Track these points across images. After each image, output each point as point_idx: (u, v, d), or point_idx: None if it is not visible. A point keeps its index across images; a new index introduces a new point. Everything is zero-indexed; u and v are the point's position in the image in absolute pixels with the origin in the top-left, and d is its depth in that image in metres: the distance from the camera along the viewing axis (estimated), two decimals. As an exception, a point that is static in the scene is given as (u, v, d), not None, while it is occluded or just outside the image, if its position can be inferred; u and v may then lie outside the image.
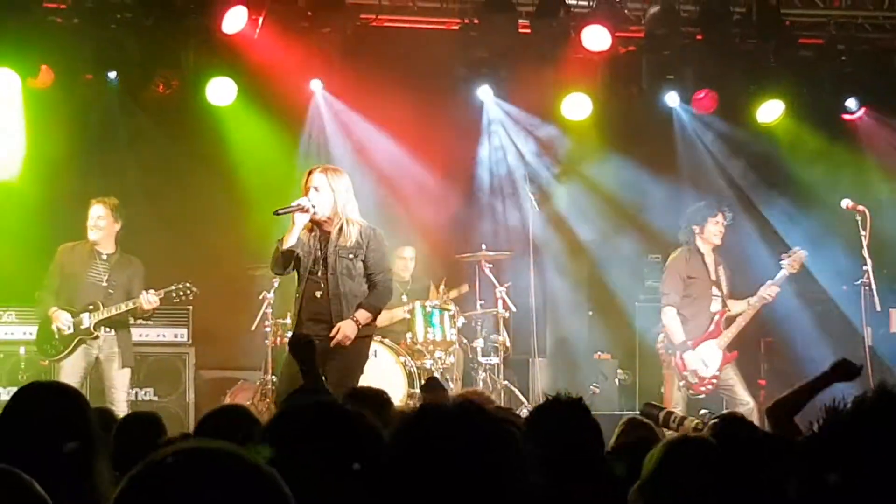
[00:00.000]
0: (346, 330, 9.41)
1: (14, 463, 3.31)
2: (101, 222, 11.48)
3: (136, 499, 2.14)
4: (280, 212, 9.46)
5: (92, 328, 11.37)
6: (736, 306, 11.98)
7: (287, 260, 9.48)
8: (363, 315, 9.48)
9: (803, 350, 13.29)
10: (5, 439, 3.99)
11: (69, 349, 11.38)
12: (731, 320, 11.93)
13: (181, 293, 11.42)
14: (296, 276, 9.67)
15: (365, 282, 9.60)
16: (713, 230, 11.83)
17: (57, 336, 11.40)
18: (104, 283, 11.50)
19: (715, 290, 11.92)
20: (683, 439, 4.49)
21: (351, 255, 9.50)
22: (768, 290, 11.83)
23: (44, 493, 3.15)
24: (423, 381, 11.14)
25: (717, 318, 11.90)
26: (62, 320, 11.36)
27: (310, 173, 9.53)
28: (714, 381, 11.75)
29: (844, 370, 6.72)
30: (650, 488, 4.16)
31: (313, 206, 9.36)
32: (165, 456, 2.18)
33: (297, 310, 9.65)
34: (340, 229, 9.46)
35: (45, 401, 4.13)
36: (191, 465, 2.15)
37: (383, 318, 13.27)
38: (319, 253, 9.51)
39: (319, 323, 9.49)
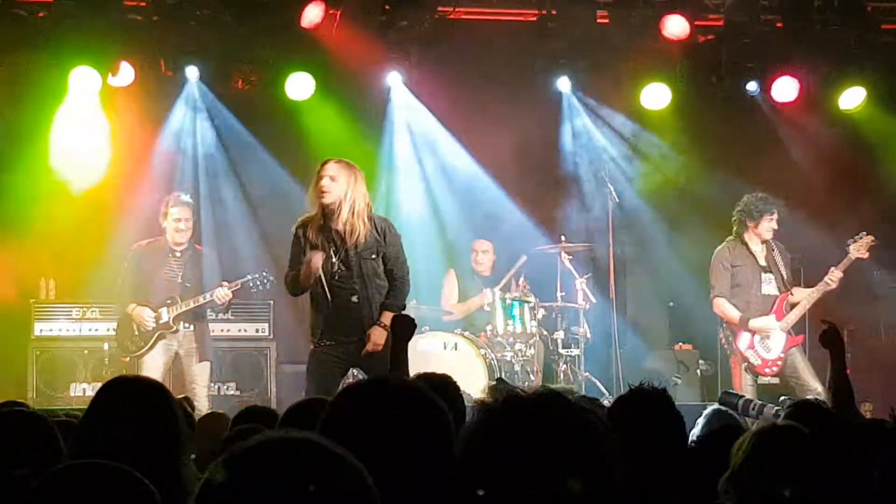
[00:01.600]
0: (376, 339, 9.27)
1: (101, 457, 3.33)
2: (186, 224, 11.58)
3: (221, 488, 2.14)
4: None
5: (171, 322, 11.46)
6: (800, 293, 11.88)
7: (300, 285, 9.42)
8: (389, 318, 8.94)
9: (887, 338, 13.17)
10: (93, 433, 4.01)
11: (149, 345, 11.48)
12: (793, 305, 11.82)
13: (258, 282, 11.47)
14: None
15: (385, 279, 9.50)
16: (766, 227, 11.80)
17: (137, 332, 11.50)
18: (179, 280, 11.59)
19: (766, 275, 11.83)
20: (773, 428, 4.45)
21: (374, 255, 9.40)
22: (831, 276, 11.65)
23: (155, 489, 3.17)
24: (493, 380, 11.08)
25: (776, 301, 11.79)
26: (143, 317, 11.45)
27: (324, 164, 9.40)
28: (779, 363, 11.67)
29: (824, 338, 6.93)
30: (741, 478, 4.13)
31: (328, 193, 9.26)
32: (250, 445, 2.18)
33: (325, 318, 9.45)
34: (351, 227, 9.31)
35: (131, 395, 4.16)
36: (275, 454, 2.15)
37: (460, 311, 13.30)
38: (342, 256, 9.36)
39: (354, 330, 9.39)
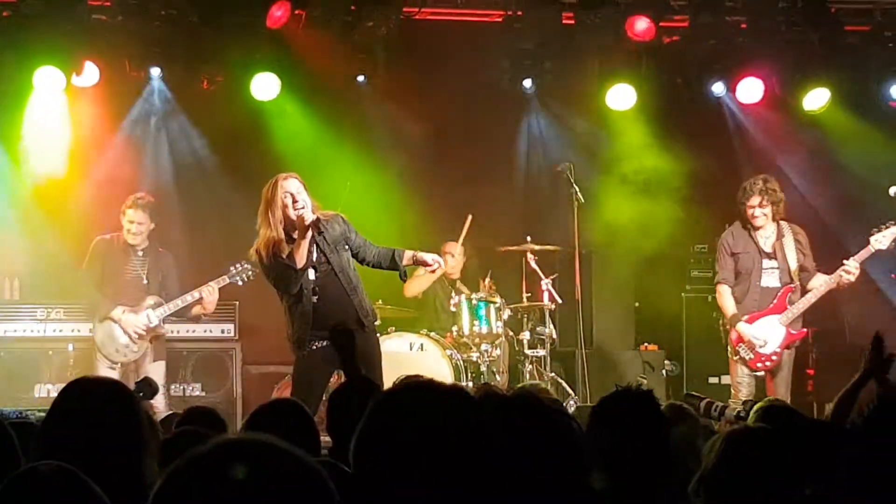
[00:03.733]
0: (422, 258, 9.77)
1: (63, 459, 3.32)
2: (139, 227, 11.55)
3: (177, 492, 2.13)
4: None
5: (161, 325, 11.44)
6: (814, 281, 11.59)
7: (299, 277, 9.38)
8: (408, 252, 9.83)
9: (853, 340, 13.20)
10: (55, 435, 4.00)
11: (143, 352, 11.45)
12: (805, 293, 11.59)
13: (242, 274, 11.45)
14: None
15: (353, 263, 9.67)
16: (749, 213, 11.59)
17: (126, 340, 11.43)
18: (144, 281, 11.56)
19: (769, 263, 11.62)
20: (744, 430, 4.46)
21: (345, 247, 9.54)
22: (846, 267, 11.36)
23: (100, 491, 3.16)
24: (473, 382, 11.10)
25: (778, 294, 11.59)
26: (132, 325, 11.39)
27: (278, 182, 9.28)
28: (773, 358, 11.48)
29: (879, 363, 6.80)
30: (712, 479, 4.15)
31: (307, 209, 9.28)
32: (206, 449, 2.17)
33: (313, 318, 9.46)
34: (332, 232, 9.45)
35: (94, 396, 4.13)
36: (232, 458, 2.14)
37: (416, 287, 13.19)
38: (315, 260, 9.42)
39: (345, 323, 9.38)
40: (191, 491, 2.11)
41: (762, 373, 11.59)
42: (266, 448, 2.16)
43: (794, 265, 11.60)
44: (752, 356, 11.52)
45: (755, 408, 6.77)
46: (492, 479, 2.63)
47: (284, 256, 9.25)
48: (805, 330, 11.72)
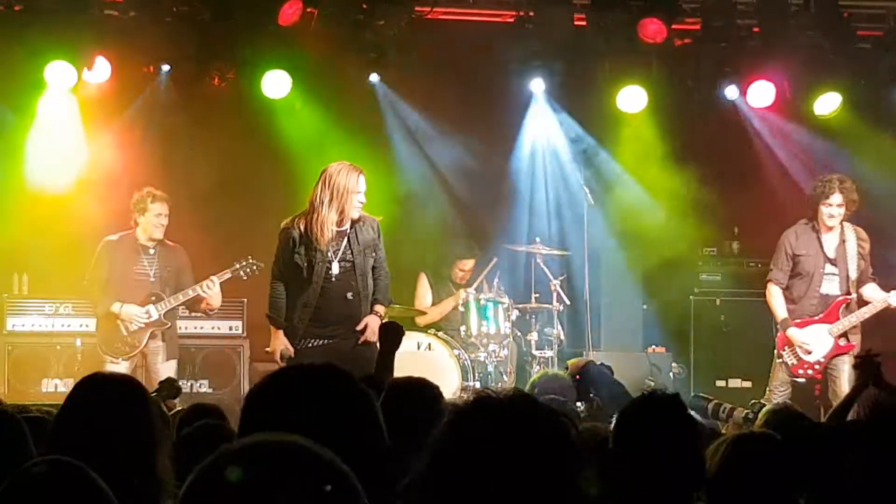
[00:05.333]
0: (374, 326, 9.42)
1: (75, 455, 3.32)
2: (165, 220, 11.53)
3: (206, 492, 2.13)
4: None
5: (163, 318, 11.43)
6: (868, 290, 11.37)
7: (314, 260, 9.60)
8: (382, 310, 9.71)
9: (863, 345, 13.19)
10: (67, 431, 4.00)
11: (143, 344, 11.44)
12: (862, 304, 11.38)
13: (247, 269, 11.45)
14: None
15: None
16: (825, 212, 11.27)
17: (126, 332, 11.43)
18: (152, 279, 11.54)
19: (830, 269, 11.35)
20: (749, 435, 4.45)
21: (372, 254, 9.62)
22: (892, 296, 11.16)
23: (106, 486, 3.16)
24: (480, 382, 11.14)
25: (833, 304, 11.35)
26: (132, 315, 11.38)
27: (360, 173, 9.65)
28: (816, 367, 11.26)
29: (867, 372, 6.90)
30: (715, 484, 4.13)
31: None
32: (232, 449, 2.17)
33: (314, 310, 9.65)
34: (355, 227, 9.61)
35: (105, 393, 4.13)
36: (260, 458, 2.14)
37: (435, 314, 13.33)
38: (341, 253, 9.56)
39: (345, 325, 9.61)
40: (218, 492, 2.11)
41: (802, 380, 11.38)
42: (297, 450, 2.16)
43: (854, 274, 11.35)
44: (795, 362, 11.35)
45: (763, 411, 6.77)
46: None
47: (314, 235, 9.48)
48: (853, 344, 11.24)
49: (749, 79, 13.42)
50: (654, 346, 14.24)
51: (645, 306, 14.74)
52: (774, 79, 13.38)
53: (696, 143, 14.06)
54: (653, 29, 12.88)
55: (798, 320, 11.34)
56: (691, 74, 13.38)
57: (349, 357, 9.36)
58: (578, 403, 10.17)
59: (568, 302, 13.19)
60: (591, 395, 10.35)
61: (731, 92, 13.59)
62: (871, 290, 11.39)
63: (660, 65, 13.31)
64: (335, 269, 9.54)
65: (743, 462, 4.15)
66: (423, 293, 13.64)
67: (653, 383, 13.35)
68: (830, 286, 11.40)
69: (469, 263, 13.60)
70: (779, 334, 11.47)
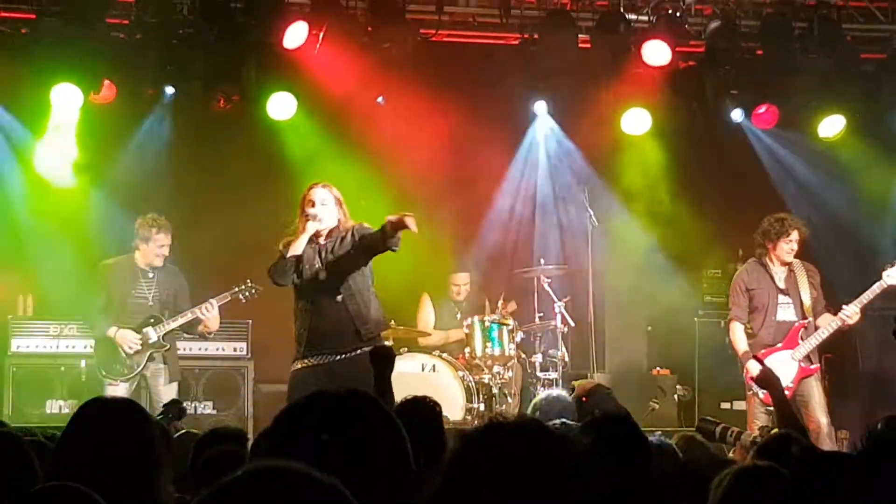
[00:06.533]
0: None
1: (78, 479, 3.33)
2: (166, 250, 11.55)
3: None
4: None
5: (162, 340, 11.43)
6: (821, 320, 11.61)
7: (291, 268, 9.67)
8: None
9: (865, 367, 13.19)
10: (69, 455, 4.00)
11: (142, 366, 11.43)
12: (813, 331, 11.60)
13: (246, 292, 11.45)
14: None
15: (364, 271, 9.77)
16: (785, 248, 11.60)
17: (125, 355, 11.42)
18: (150, 302, 11.54)
19: (784, 299, 11.65)
20: (753, 468, 4.44)
21: (351, 251, 9.64)
22: (845, 312, 11.40)
23: None
24: (494, 409, 11.16)
25: (791, 330, 11.58)
26: (127, 339, 11.39)
27: (311, 188, 9.76)
28: (785, 392, 11.40)
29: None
30: None
31: (321, 219, 9.64)
32: (239, 476, 2.17)
33: (309, 322, 9.69)
34: (342, 239, 9.69)
35: (107, 417, 4.14)
36: (264, 485, 2.14)
37: (438, 339, 13.36)
38: (324, 260, 9.69)
39: (337, 342, 9.61)
40: None
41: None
42: (300, 478, 2.17)
43: (807, 301, 11.63)
44: (765, 391, 11.49)
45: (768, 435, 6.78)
46: None
47: (286, 247, 9.69)
48: (818, 365, 11.64)
49: (753, 101, 13.45)
50: (658, 368, 14.25)
51: (649, 328, 14.74)
52: (778, 101, 13.40)
53: (701, 165, 14.09)
54: (657, 51, 12.91)
55: (762, 351, 11.48)
56: (696, 97, 13.39)
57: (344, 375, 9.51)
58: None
59: (573, 323, 13.19)
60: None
61: (735, 114, 13.61)
62: (825, 319, 11.66)
63: (664, 87, 13.33)
64: (316, 273, 9.69)
65: (745, 496, 4.15)
66: (426, 314, 13.69)
67: (657, 405, 13.38)
68: (785, 313, 11.70)
69: (462, 277, 13.67)
70: (743, 367, 11.61)
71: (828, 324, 11.55)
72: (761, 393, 11.43)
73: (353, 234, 9.67)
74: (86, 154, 13.01)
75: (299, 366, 9.66)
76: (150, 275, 11.58)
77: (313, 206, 9.60)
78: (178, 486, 4.90)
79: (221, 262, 12.91)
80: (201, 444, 5.83)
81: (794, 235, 11.59)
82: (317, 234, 9.73)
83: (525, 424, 2.79)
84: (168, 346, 11.50)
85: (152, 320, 11.44)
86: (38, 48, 12.02)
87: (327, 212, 9.64)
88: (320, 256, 9.70)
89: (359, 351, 9.45)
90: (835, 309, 11.55)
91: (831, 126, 13.54)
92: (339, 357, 9.52)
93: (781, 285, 11.69)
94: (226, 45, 12.31)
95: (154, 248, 11.50)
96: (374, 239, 9.51)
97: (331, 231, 9.73)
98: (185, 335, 11.98)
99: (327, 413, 3.00)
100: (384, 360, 7.64)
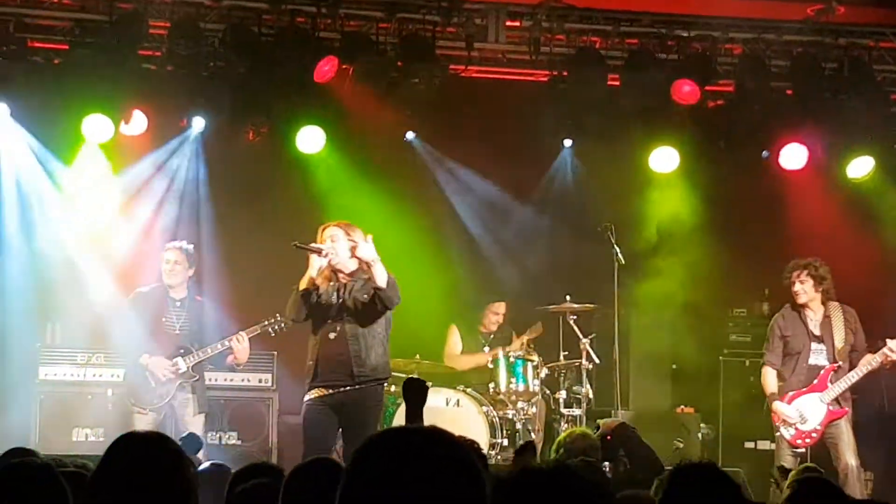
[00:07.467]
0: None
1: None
2: (177, 267, 11.58)
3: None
4: (298, 245, 10.06)
5: (191, 370, 11.46)
6: (863, 360, 11.64)
7: (299, 303, 10.02)
8: None
9: (891, 409, 13.15)
10: (103, 490, 4.02)
11: (171, 396, 11.46)
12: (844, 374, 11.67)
13: (275, 326, 11.48)
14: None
15: (378, 318, 10.04)
16: (795, 289, 11.76)
17: (154, 384, 11.44)
18: (177, 330, 11.58)
19: (816, 346, 11.72)
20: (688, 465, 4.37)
21: (367, 297, 9.90)
22: (889, 346, 11.46)
23: None
24: (518, 445, 11.17)
25: (822, 372, 11.64)
26: (160, 367, 11.42)
27: (324, 228, 10.10)
28: (813, 435, 11.51)
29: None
30: None
31: (328, 254, 9.92)
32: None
33: (317, 354, 10.03)
34: (365, 283, 9.95)
35: (142, 452, 4.15)
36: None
37: (468, 362, 13.37)
38: (338, 300, 9.99)
39: (342, 374, 9.91)
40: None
41: (802, 450, 11.56)
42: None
43: (840, 344, 11.68)
44: (792, 433, 11.60)
45: (790, 476, 6.78)
46: None
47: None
48: (847, 409, 11.67)
49: (782, 141, 13.42)
50: (682, 407, 14.22)
51: (674, 366, 14.72)
52: (807, 141, 13.38)
53: (728, 204, 14.07)
54: (686, 90, 12.93)
55: (791, 393, 11.59)
56: (724, 136, 13.39)
57: (342, 417, 9.90)
58: (605, 464, 10.17)
59: (598, 360, 13.18)
60: (621, 455, 10.38)
61: (763, 154, 13.60)
62: (866, 360, 11.69)
63: (692, 126, 13.34)
64: (332, 312, 10.07)
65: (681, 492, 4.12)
66: (454, 343, 13.72)
67: (682, 444, 13.34)
68: (818, 358, 11.78)
69: (502, 307, 13.74)
70: (772, 410, 11.69)
71: (867, 363, 11.59)
72: (788, 434, 11.48)
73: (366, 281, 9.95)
74: (116, 184, 13.10)
75: (308, 396, 10.03)
76: (178, 304, 11.62)
77: (322, 246, 9.92)
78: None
79: (249, 295, 12.94)
80: (237, 478, 5.87)
81: (800, 278, 11.73)
82: (338, 272, 10.00)
83: (557, 471, 2.81)
84: (197, 377, 11.53)
85: (182, 351, 11.47)
86: (69, 79, 12.10)
87: (338, 248, 9.94)
88: (338, 293, 9.96)
89: (359, 386, 9.71)
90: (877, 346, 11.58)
91: (860, 167, 13.52)
92: (342, 389, 9.89)
93: (816, 331, 11.78)
94: (256, 78, 12.37)
95: (165, 266, 11.57)
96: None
97: (353, 272, 9.98)
98: (210, 366, 12.01)
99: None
100: (417, 393, 7.67)
